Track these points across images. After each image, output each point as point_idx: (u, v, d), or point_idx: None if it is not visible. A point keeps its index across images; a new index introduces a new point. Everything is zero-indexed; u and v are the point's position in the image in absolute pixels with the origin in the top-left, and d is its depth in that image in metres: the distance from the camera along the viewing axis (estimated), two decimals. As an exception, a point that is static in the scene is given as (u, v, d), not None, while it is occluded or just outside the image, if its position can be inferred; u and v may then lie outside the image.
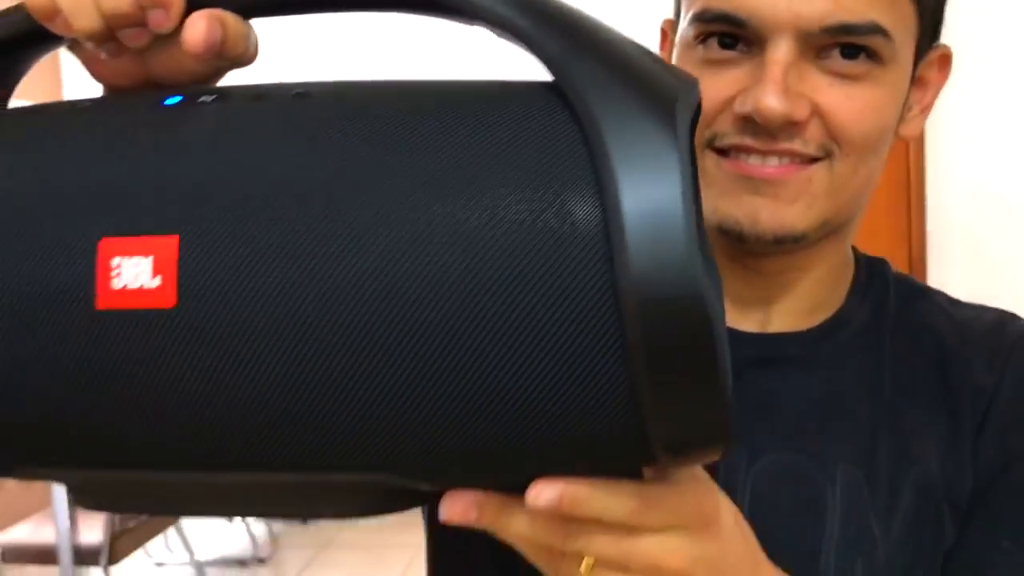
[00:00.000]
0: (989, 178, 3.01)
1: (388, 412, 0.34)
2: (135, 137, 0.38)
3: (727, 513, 0.43)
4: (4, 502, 3.22)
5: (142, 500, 0.45)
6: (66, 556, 2.82)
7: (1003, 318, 0.65)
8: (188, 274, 0.34)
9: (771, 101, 0.52)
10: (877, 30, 0.53)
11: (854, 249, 0.67)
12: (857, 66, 0.54)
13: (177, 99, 0.39)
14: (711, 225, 0.56)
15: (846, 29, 0.52)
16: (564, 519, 0.38)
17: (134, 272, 0.34)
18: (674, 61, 0.58)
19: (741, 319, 0.61)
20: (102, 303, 0.35)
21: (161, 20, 0.40)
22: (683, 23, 0.57)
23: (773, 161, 0.55)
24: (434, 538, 0.69)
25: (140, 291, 0.34)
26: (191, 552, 3.43)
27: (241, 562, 3.82)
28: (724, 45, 0.55)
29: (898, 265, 0.74)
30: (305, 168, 0.35)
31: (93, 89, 0.46)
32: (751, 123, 0.54)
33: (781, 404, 0.59)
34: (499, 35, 0.39)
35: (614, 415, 0.34)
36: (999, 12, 2.86)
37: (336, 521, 4.29)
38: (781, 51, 0.52)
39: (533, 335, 0.33)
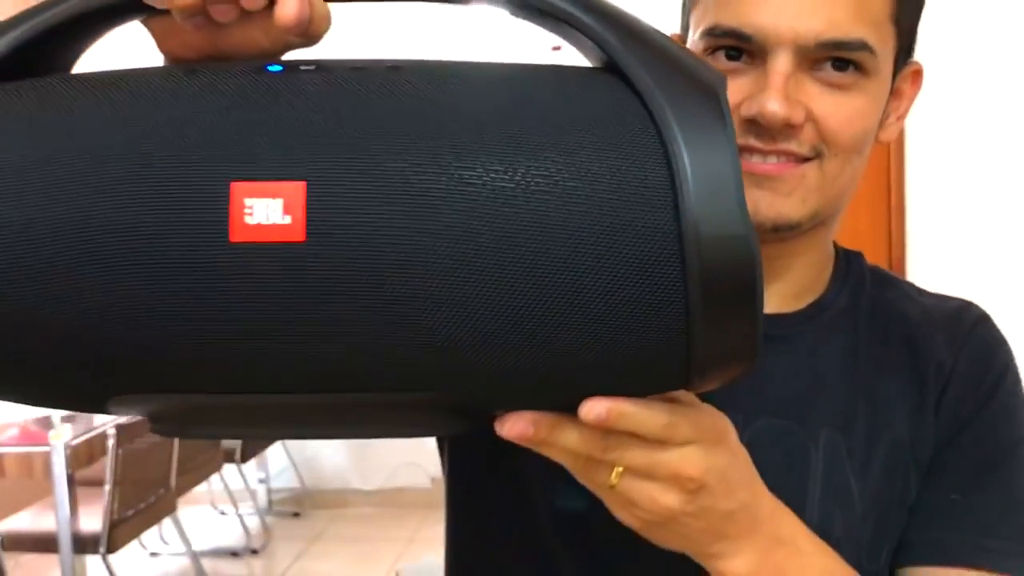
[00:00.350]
0: (965, 184, 3.08)
1: (498, 338, 0.39)
2: (249, 96, 0.41)
3: (733, 433, 0.50)
4: (4, 491, 3.24)
5: (230, 424, 0.48)
6: (66, 544, 2.84)
7: (962, 305, 0.72)
8: (316, 214, 0.38)
9: (774, 106, 0.57)
10: (864, 46, 0.59)
11: (834, 243, 0.73)
12: (846, 77, 0.60)
13: (278, 68, 0.42)
14: None
15: (838, 45, 0.58)
16: (605, 433, 0.44)
17: (265, 211, 0.38)
18: None
19: None
20: (235, 236, 0.38)
21: None
22: (693, 36, 0.63)
23: (772, 160, 0.60)
24: (454, 499, 0.76)
25: (273, 227, 0.38)
26: (187, 542, 3.44)
27: (234, 553, 3.83)
28: (730, 57, 0.61)
29: (880, 265, 0.80)
30: (413, 126, 0.40)
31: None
32: (755, 125, 0.59)
33: (772, 376, 0.65)
34: (550, 29, 0.45)
35: (668, 337, 0.40)
36: (977, 32, 2.94)
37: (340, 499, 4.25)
38: (782, 63, 0.58)
39: (612, 269, 0.39)
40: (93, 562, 3.02)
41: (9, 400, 0.47)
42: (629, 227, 0.39)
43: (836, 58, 0.59)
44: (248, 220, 0.38)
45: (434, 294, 0.38)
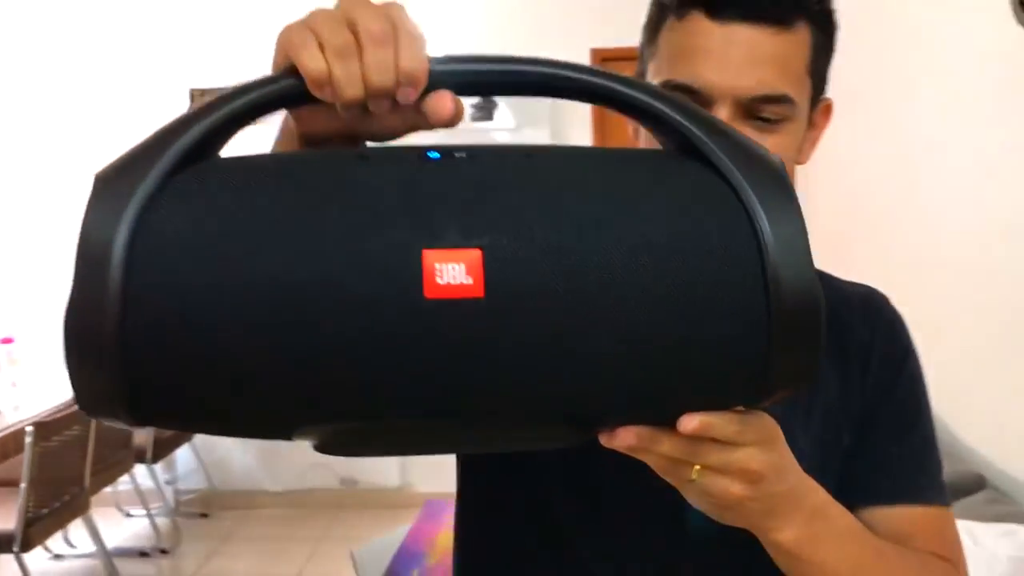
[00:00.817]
0: (849, 194, 3.33)
1: (629, 372, 0.47)
2: (423, 179, 0.48)
3: (781, 433, 0.57)
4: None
5: (393, 445, 0.55)
6: (-21, 542, 2.79)
7: (869, 290, 0.87)
8: (491, 276, 0.45)
9: None
10: (787, 99, 0.73)
11: None
12: (771, 124, 0.73)
13: (437, 155, 0.49)
14: None
15: (766, 99, 0.72)
16: (693, 440, 0.52)
17: (452, 274, 0.45)
18: None
19: None
20: (429, 293, 0.45)
21: (410, 95, 0.49)
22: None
23: None
24: (465, 487, 0.86)
25: (459, 286, 0.45)
26: (100, 542, 3.38)
27: (144, 553, 3.78)
28: None
29: None
30: (557, 203, 0.47)
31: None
32: None
33: None
34: (634, 118, 0.55)
35: (752, 366, 0.49)
36: (853, 64, 3.21)
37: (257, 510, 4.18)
38: (724, 112, 0.72)
39: (714, 312, 0.47)
40: (3, 561, 2.97)
41: (205, 432, 0.52)
42: (727, 280, 0.48)
43: (765, 107, 0.73)
44: (439, 280, 0.45)
45: (582, 337, 0.46)
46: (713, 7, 0.72)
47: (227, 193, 0.47)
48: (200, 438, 4.23)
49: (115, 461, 3.51)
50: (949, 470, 1.99)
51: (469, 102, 3.99)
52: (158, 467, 3.99)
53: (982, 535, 1.61)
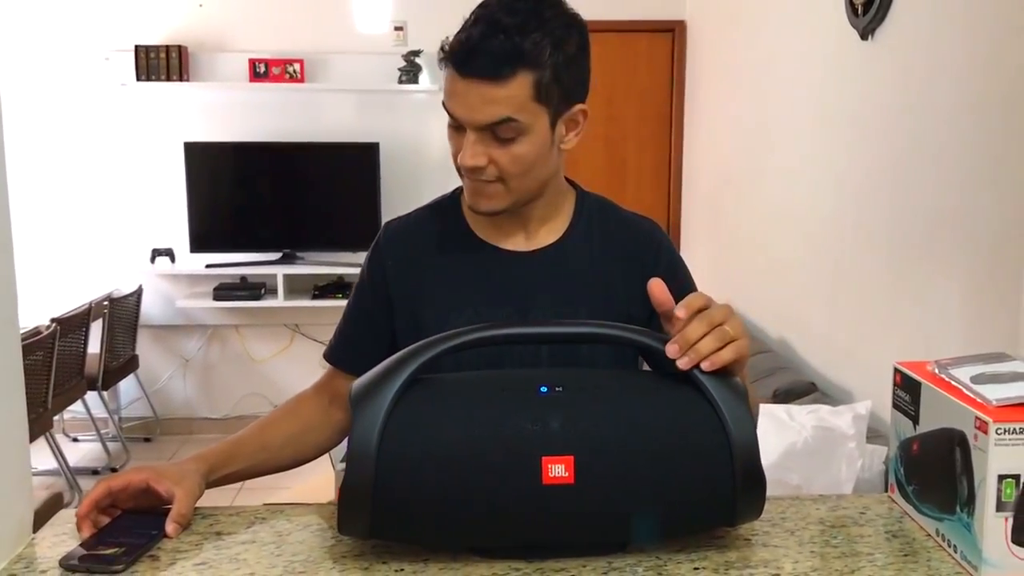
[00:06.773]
0: (723, 160, 3.80)
1: (632, 505, 0.81)
2: (540, 406, 0.82)
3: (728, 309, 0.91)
4: None
5: (523, 551, 0.86)
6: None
7: (650, 224, 1.22)
8: (579, 471, 0.78)
9: (466, 160, 1.05)
10: (510, 120, 1.02)
11: (578, 187, 1.19)
12: (508, 139, 1.04)
13: (545, 389, 0.83)
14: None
15: (495, 124, 1.03)
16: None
17: (558, 470, 0.78)
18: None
19: (509, 243, 1.17)
20: (545, 481, 0.78)
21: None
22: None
23: (479, 182, 1.08)
24: None
25: (560, 477, 0.78)
26: (64, 458, 3.66)
27: (95, 471, 4.07)
28: (455, 126, 1.07)
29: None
30: (619, 427, 0.81)
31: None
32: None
33: (558, 278, 1.14)
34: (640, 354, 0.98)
35: (723, 509, 0.83)
36: (726, 60, 3.65)
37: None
38: (471, 135, 1.04)
39: (697, 480, 0.82)
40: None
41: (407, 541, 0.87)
42: (704, 460, 0.83)
43: (498, 129, 1.04)
44: (550, 475, 0.80)
45: (624, 503, 0.82)
46: (459, 68, 1.03)
47: (433, 412, 0.83)
48: (143, 369, 4.54)
49: (71, 387, 3.83)
50: (789, 379, 2.54)
51: (397, 67, 4.38)
52: (104, 397, 4.25)
53: (796, 413, 2.15)
